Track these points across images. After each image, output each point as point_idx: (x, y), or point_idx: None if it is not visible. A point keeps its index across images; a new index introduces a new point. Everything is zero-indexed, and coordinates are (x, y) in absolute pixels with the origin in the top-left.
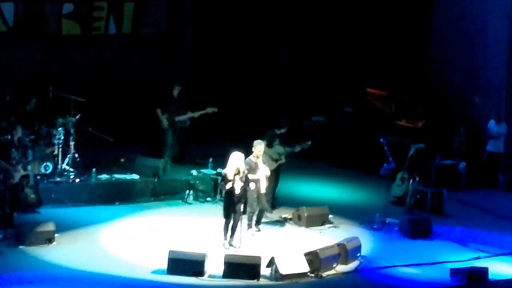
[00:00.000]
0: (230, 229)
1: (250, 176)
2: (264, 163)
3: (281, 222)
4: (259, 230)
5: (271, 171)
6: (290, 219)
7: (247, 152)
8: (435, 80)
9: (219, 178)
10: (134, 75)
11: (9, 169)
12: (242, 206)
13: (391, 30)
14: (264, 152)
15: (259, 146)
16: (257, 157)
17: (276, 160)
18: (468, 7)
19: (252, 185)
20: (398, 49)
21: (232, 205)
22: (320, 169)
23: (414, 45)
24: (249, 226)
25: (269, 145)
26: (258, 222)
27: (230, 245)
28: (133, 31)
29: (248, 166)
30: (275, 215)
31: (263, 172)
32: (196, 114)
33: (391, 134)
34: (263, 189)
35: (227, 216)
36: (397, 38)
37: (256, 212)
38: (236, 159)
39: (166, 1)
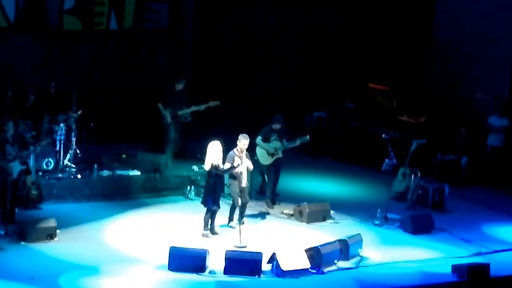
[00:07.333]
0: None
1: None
2: (260, 157)
3: (283, 218)
4: (242, 223)
5: (270, 166)
6: (292, 215)
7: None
8: (437, 75)
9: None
10: (136, 70)
11: (4, 166)
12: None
13: (393, 26)
14: (260, 147)
15: (243, 140)
16: (241, 151)
17: (272, 155)
18: (472, 3)
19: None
20: (400, 44)
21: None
22: (321, 164)
23: (416, 40)
24: (230, 219)
25: (265, 140)
26: (241, 216)
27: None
28: (134, 26)
29: (232, 160)
30: (276, 210)
31: (246, 166)
32: (202, 107)
33: (393, 129)
34: (244, 183)
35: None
36: (399, 33)
37: (239, 206)
38: (216, 148)
39: None
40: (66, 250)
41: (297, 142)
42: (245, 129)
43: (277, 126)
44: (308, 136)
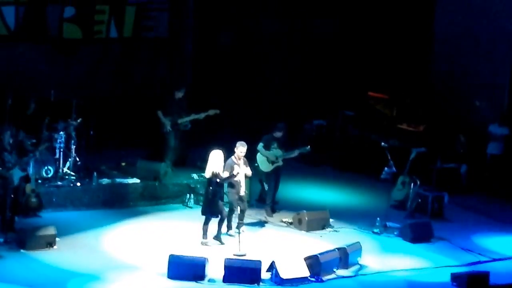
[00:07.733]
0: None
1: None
2: (261, 164)
3: (282, 226)
4: (242, 231)
5: (270, 174)
6: (291, 223)
7: (250, 154)
8: (437, 83)
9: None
10: (135, 79)
11: (5, 174)
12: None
13: (392, 34)
14: (261, 154)
15: (241, 147)
16: (239, 158)
17: (273, 162)
18: (471, 8)
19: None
20: (399, 52)
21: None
22: (321, 173)
23: (415, 48)
24: (229, 228)
25: (266, 147)
26: (240, 224)
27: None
28: (134, 34)
29: (230, 167)
30: (276, 219)
31: (244, 174)
32: (202, 115)
33: (392, 137)
34: (242, 191)
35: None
36: (399, 42)
37: (238, 213)
38: (217, 157)
39: (168, 5)
40: (66, 258)
41: (296, 153)
42: (244, 137)
43: (278, 134)
44: (309, 147)
